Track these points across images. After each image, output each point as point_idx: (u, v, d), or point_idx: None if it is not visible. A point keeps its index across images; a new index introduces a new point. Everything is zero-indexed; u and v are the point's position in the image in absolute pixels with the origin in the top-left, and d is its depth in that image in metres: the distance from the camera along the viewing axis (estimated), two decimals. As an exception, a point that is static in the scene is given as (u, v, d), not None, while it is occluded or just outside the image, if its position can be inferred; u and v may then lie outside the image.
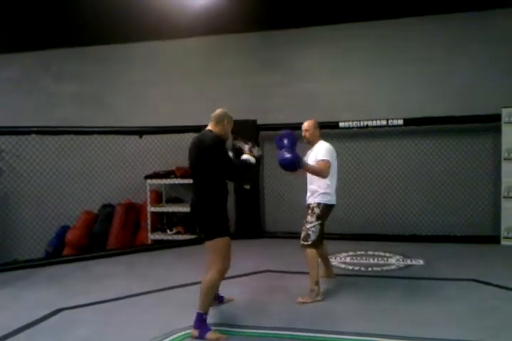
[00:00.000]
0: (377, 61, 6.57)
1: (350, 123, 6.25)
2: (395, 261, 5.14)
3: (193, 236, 6.42)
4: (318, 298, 3.79)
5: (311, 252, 3.84)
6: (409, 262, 5.06)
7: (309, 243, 3.83)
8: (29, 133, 5.50)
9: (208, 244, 3.26)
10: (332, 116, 6.33)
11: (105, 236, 6.70)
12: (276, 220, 6.86)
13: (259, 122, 6.57)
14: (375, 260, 5.19)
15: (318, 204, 3.86)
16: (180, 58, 7.26)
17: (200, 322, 3.15)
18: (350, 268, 4.88)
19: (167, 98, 7.18)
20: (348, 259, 5.24)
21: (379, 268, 4.83)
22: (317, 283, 3.82)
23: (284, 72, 6.90)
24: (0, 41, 7.21)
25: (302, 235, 3.88)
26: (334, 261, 5.08)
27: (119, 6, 5.80)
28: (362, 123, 6.21)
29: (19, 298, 4.16)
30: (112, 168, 6.84)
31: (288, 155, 3.57)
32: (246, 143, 3.53)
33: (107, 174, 6.86)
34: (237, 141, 3.59)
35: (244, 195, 6.63)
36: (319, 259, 4.30)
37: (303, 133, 4.03)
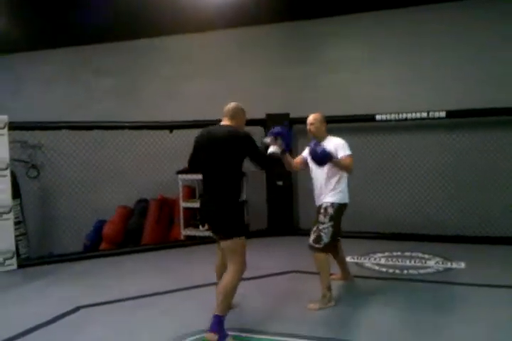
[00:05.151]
0: (415, 48, 6.13)
1: (388, 115, 5.86)
2: (433, 263, 4.81)
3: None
4: (331, 304, 3.57)
5: (321, 255, 3.60)
6: (449, 265, 4.71)
7: (321, 246, 3.58)
8: (59, 128, 5.56)
9: (225, 243, 3.14)
10: (367, 109, 6.00)
11: (140, 230, 6.73)
12: (310, 217, 6.61)
13: (292, 116, 6.35)
14: (412, 262, 4.88)
15: (332, 204, 3.63)
16: (212, 51, 7.12)
17: (219, 326, 3.01)
18: (384, 270, 4.60)
19: (199, 92, 7.06)
20: (382, 260, 4.95)
21: (415, 271, 4.52)
22: (329, 288, 3.60)
23: (316, 63, 6.60)
24: (43, 37, 7.34)
25: (313, 236, 3.62)
26: (367, 263, 4.84)
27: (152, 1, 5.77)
28: (401, 115, 5.83)
29: (43, 293, 4.21)
30: (147, 162, 6.85)
31: (322, 149, 3.44)
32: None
33: (141, 169, 6.87)
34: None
35: (277, 191, 6.45)
36: (335, 261, 4.08)
37: (308, 127, 3.79)
